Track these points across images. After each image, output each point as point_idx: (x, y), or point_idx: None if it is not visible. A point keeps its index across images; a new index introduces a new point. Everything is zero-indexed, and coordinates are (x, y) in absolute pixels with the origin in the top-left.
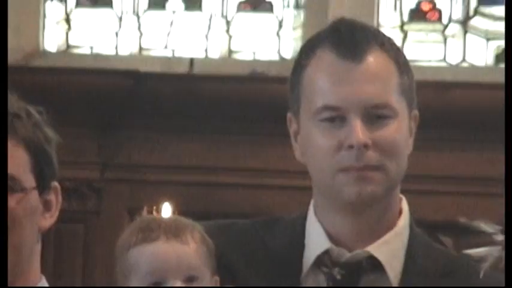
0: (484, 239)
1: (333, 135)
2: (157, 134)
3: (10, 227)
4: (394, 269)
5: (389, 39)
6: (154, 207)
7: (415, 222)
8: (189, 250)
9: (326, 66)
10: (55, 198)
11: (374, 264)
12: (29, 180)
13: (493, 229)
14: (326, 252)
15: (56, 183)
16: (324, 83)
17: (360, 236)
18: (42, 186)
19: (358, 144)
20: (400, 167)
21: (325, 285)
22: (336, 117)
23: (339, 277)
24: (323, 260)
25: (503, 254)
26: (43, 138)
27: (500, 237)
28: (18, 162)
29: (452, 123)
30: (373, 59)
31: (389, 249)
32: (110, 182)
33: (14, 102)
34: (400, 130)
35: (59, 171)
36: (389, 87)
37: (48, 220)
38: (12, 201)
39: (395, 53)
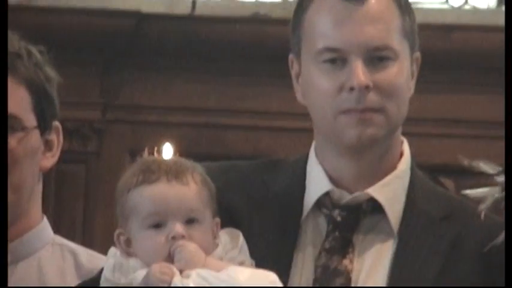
0: (485, 181)
1: (334, 77)
2: (159, 75)
3: (11, 166)
4: (394, 211)
5: None
6: (156, 148)
7: (417, 164)
8: (190, 192)
9: (327, 7)
10: (56, 138)
11: (374, 207)
12: (30, 119)
13: (494, 170)
14: (327, 194)
15: (57, 123)
16: (325, 24)
17: (361, 178)
18: (44, 126)
19: (360, 87)
20: (401, 109)
21: (324, 225)
22: (337, 58)
23: (339, 219)
24: (324, 201)
25: (503, 195)
26: (44, 78)
27: (501, 178)
28: (19, 101)
29: (454, 66)
30: (375, 1)
31: (390, 192)
32: (112, 123)
33: (15, 42)
34: (402, 72)
35: (61, 111)
36: (391, 29)
37: (50, 160)
38: (13, 140)
39: None
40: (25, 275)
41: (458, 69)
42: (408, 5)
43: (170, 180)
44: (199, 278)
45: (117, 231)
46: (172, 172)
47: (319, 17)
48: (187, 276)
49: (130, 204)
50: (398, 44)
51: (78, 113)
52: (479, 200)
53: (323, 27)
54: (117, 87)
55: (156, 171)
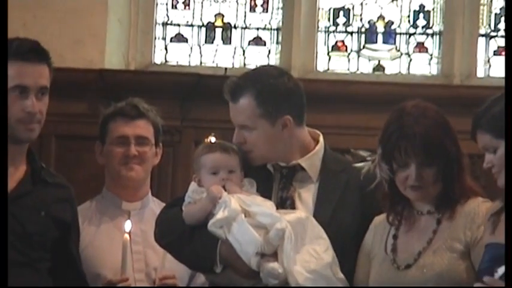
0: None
1: None
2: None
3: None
4: (312, 170)
5: None
6: (209, 138)
7: (333, 148)
8: (230, 157)
9: None
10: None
11: (302, 168)
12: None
13: (367, 154)
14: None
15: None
16: None
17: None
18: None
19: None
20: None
21: (279, 177)
22: None
23: (285, 173)
24: (275, 166)
25: (372, 166)
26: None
27: (370, 157)
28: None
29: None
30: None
31: (309, 161)
32: (186, 128)
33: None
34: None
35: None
36: (250, 115)
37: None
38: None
39: None
40: (149, 215)
41: None
42: (265, 95)
43: (221, 152)
44: (237, 197)
45: (194, 175)
46: (221, 147)
47: None
48: (231, 196)
49: (200, 164)
50: (253, 121)
51: (169, 122)
52: (361, 168)
53: None
54: (189, 110)
55: (214, 147)
